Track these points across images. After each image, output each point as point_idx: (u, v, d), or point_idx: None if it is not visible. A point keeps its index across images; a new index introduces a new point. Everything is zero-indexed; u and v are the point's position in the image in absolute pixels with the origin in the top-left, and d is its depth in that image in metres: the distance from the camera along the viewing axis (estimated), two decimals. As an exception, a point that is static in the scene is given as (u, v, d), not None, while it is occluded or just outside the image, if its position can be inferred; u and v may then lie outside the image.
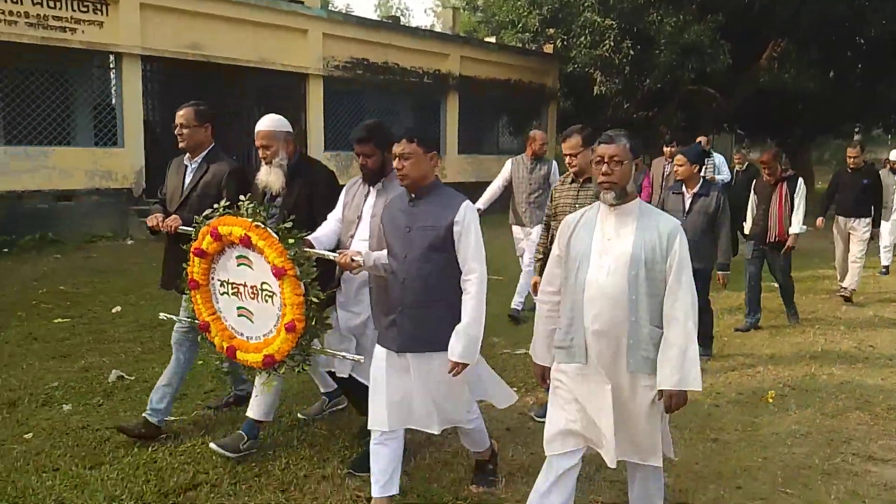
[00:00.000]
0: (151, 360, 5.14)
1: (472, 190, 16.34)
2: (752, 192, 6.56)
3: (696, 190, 5.14)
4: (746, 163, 10.90)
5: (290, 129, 3.72)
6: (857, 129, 24.87)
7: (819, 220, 7.86)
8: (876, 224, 7.89)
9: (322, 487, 3.30)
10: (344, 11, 32.61)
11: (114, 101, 11.55)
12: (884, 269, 9.49)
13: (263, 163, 3.62)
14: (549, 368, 2.79)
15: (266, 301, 3.22)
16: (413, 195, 2.97)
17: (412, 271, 2.89)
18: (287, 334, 3.10)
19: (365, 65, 14.91)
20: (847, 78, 18.46)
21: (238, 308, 3.35)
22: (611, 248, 2.56)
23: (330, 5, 38.83)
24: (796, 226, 6.13)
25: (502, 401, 3.40)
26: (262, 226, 3.12)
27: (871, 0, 14.50)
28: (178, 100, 13.13)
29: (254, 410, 3.56)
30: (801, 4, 13.83)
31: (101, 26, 10.89)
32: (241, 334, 3.36)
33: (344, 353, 3.24)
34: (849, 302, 7.61)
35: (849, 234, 7.85)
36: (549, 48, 19.22)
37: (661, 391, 2.53)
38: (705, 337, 5.17)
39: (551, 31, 17.38)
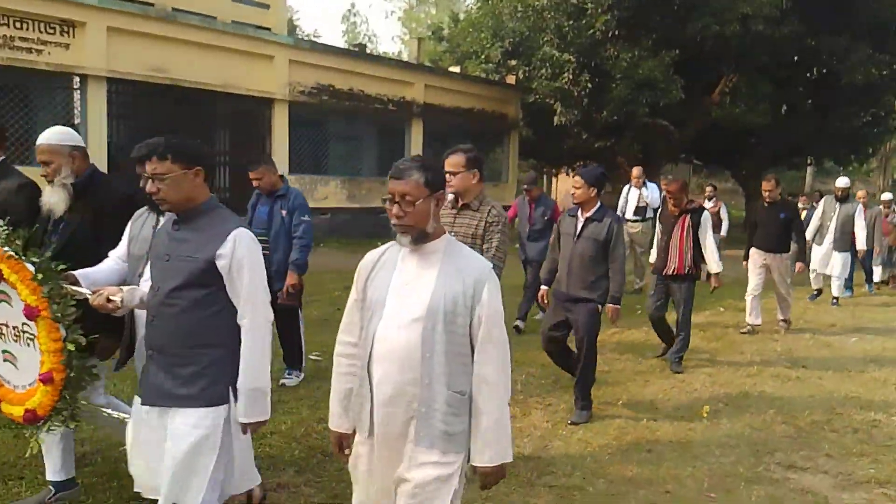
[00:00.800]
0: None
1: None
2: (658, 221, 6.44)
3: (589, 214, 4.73)
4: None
5: (79, 144, 3.23)
6: (809, 162, 25.89)
7: (745, 264, 7.78)
8: (801, 259, 7.86)
9: (278, 495, 3.46)
10: (311, 38, 32.98)
11: (77, 122, 11.59)
12: (834, 300, 9.64)
13: (46, 181, 3.13)
14: (350, 435, 2.30)
15: (28, 345, 2.70)
16: (178, 219, 2.48)
17: (162, 308, 2.41)
18: (45, 386, 2.61)
19: (330, 91, 15.18)
20: (798, 112, 19.34)
21: (3, 351, 2.83)
22: (407, 296, 2.13)
23: (298, 31, 39.22)
24: (714, 264, 6.01)
25: (243, 485, 2.75)
26: (17, 256, 2.63)
27: (821, 39, 15.31)
28: (144, 122, 13.29)
29: (50, 473, 3.19)
30: (753, 43, 14.55)
31: (67, 48, 10.99)
32: (8, 382, 2.81)
33: (109, 411, 2.94)
34: (787, 324, 7.87)
35: (767, 268, 7.57)
36: (511, 79, 19.80)
37: (474, 467, 2.17)
38: (584, 389, 4.72)
39: (513, 62, 17.93)
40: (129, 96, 12.75)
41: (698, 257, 5.97)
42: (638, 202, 9.74)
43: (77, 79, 11.49)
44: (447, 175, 3.55)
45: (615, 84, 15.24)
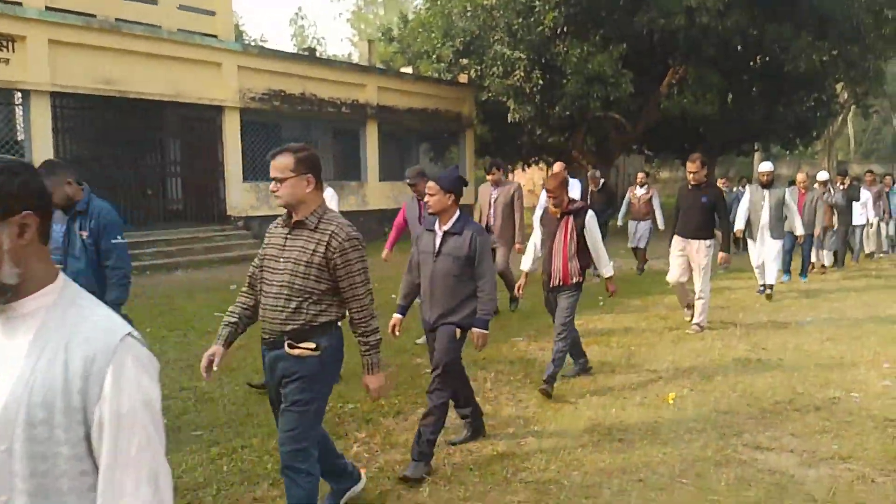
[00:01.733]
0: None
1: (393, 216, 16.65)
2: (539, 224, 5.52)
3: (448, 227, 3.94)
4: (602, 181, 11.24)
5: None
6: (756, 148, 26.60)
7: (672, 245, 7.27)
8: (725, 248, 7.18)
9: (252, 509, 3.41)
10: (259, 44, 32.57)
11: (21, 137, 11.24)
12: (761, 287, 9.03)
13: None
14: None
15: None
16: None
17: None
18: None
19: (282, 96, 15.03)
20: (745, 100, 19.86)
21: None
22: None
23: (244, 37, 38.62)
24: (605, 267, 5.31)
25: None
26: None
27: (765, 29, 15.73)
28: (91, 135, 13.05)
29: None
30: (698, 35, 14.87)
31: (7, 63, 10.64)
32: None
33: None
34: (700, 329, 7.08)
35: (688, 258, 7.07)
36: (463, 78, 19.86)
37: None
38: (433, 433, 3.84)
39: (465, 61, 17.99)
40: (75, 109, 12.44)
41: (585, 263, 5.20)
42: None
43: (19, 94, 11.14)
44: (273, 182, 2.88)
45: (566, 80, 15.42)
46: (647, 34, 15.38)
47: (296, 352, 2.86)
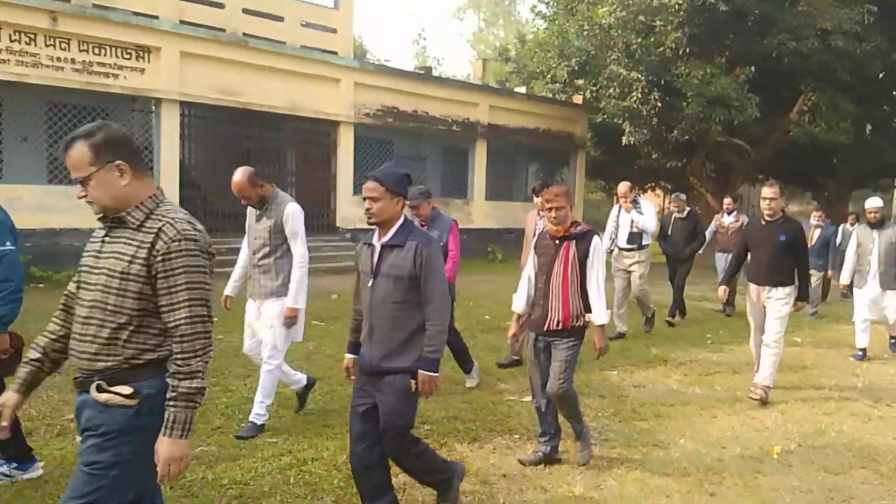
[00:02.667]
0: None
1: (498, 235, 16.54)
2: (533, 251, 4.32)
3: (387, 239, 3.16)
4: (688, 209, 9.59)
5: None
6: (895, 182, 24.49)
7: (721, 291, 6.61)
8: (803, 297, 5.91)
9: (312, 525, 3.36)
10: (378, 62, 33.62)
11: (153, 143, 12.06)
12: (859, 353, 7.50)
13: None
14: None
15: None
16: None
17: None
18: None
19: (395, 113, 15.33)
20: (884, 130, 18.30)
21: None
22: None
23: (368, 55, 40.05)
24: (600, 314, 4.08)
25: None
26: None
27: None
28: (215, 143, 13.85)
29: None
30: (833, 59, 13.86)
31: (142, 73, 11.48)
32: None
33: None
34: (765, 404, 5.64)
35: (764, 308, 5.86)
36: (578, 98, 19.53)
37: None
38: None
39: (580, 81, 17.68)
40: (201, 119, 13.21)
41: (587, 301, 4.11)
42: (631, 227, 8.01)
43: (152, 102, 11.97)
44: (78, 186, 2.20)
45: (686, 102, 14.77)
46: (776, 57, 14.46)
47: (103, 397, 2.14)
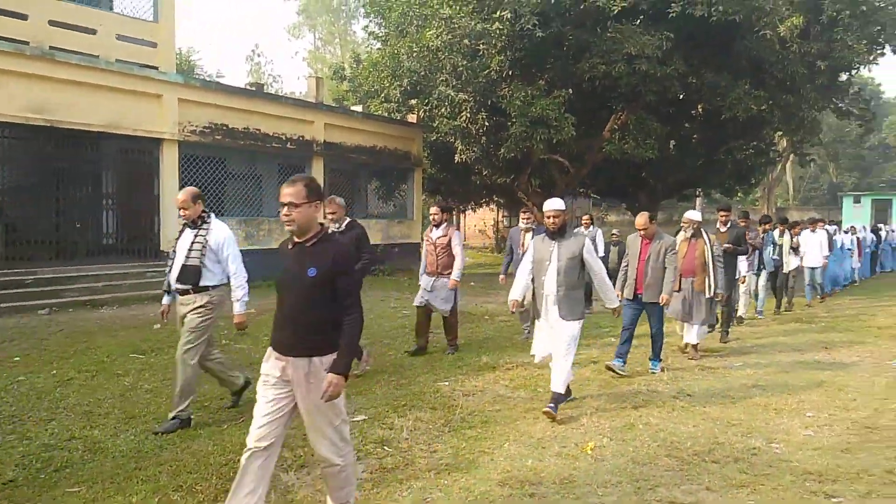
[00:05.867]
0: None
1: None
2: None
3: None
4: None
5: None
6: (697, 193, 27.31)
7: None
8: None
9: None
10: (207, 78, 32.31)
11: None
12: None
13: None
14: None
15: None
16: None
17: None
18: None
19: (225, 130, 14.77)
20: (686, 146, 20.37)
21: None
22: None
23: (198, 72, 38.33)
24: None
25: None
26: None
27: (703, 77, 16.17)
28: (27, 163, 12.60)
29: None
30: (639, 81, 15.19)
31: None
32: None
33: None
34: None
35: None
36: (412, 117, 19.93)
37: None
38: None
39: (413, 101, 18.05)
40: (9, 139, 12.01)
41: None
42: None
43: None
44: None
45: (511, 122, 15.55)
46: (590, 80, 15.64)
47: None
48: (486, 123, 15.88)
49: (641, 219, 7.26)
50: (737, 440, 5.08)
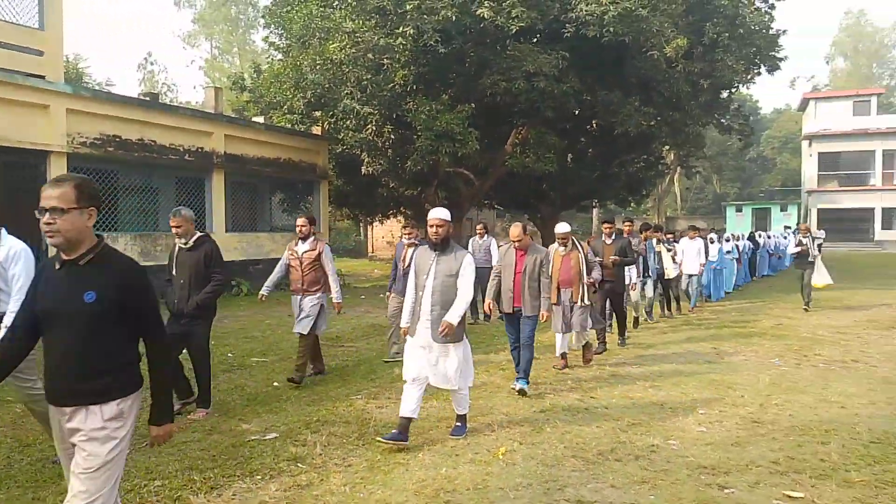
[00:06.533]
0: None
1: (244, 268, 15.93)
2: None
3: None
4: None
5: None
6: (594, 204, 28.55)
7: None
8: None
9: None
10: (99, 87, 30.80)
11: None
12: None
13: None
14: None
15: None
16: None
17: None
18: None
19: (117, 141, 14.14)
20: (583, 160, 21.29)
21: None
22: None
23: (87, 80, 36.47)
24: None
25: None
26: None
27: (596, 94, 16.97)
28: None
29: None
30: (537, 98, 15.75)
31: None
32: None
33: None
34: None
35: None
36: (317, 130, 19.76)
37: None
38: None
39: (317, 113, 17.92)
40: None
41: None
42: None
43: None
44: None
45: (417, 135, 15.73)
46: (492, 95, 16.08)
47: None
48: (392, 136, 16.01)
49: (515, 230, 6.93)
50: (637, 439, 5.38)
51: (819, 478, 4.53)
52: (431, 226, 5.34)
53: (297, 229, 7.31)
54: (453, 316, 5.17)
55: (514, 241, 6.94)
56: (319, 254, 7.19)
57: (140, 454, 4.94)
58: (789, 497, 4.22)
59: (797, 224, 39.48)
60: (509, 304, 6.84)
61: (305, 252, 7.19)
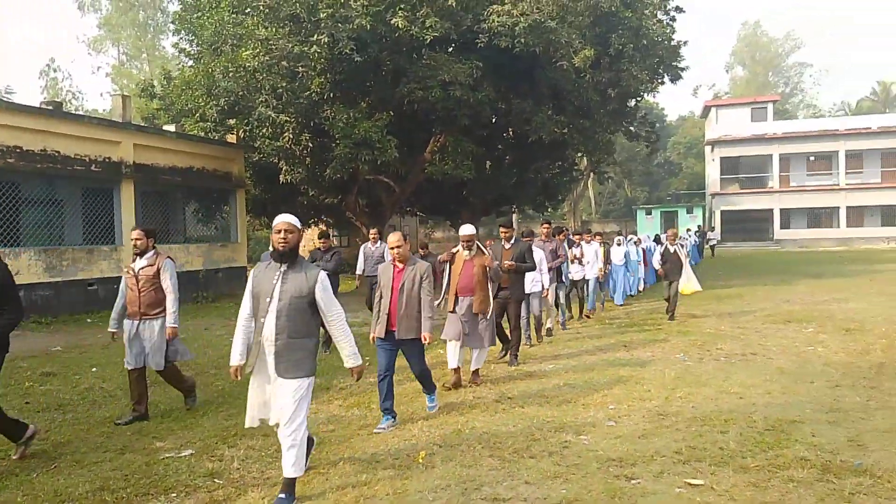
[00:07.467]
0: None
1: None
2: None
3: None
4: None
5: None
6: (513, 209, 29.16)
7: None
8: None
9: None
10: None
11: None
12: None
13: None
14: None
15: None
16: None
17: None
18: None
19: (18, 152, 13.48)
20: (500, 166, 21.73)
21: None
22: None
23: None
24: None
25: None
26: None
27: (511, 103, 17.39)
28: None
29: None
30: (454, 106, 16.00)
31: None
32: None
33: None
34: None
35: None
36: (232, 138, 19.38)
37: None
38: None
39: (232, 121, 17.58)
40: None
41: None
42: None
43: None
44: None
45: (335, 143, 15.68)
46: (409, 103, 16.22)
47: None
48: (311, 144, 15.90)
49: (394, 237, 6.01)
50: (550, 435, 5.60)
51: (718, 465, 4.84)
52: (278, 231, 4.38)
53: (133, 243, 6.35)
54: (345, 348, 4.62)
55: (392, 249, 6.03)
56: (158, 269, 6.26)
57: (48, 475, 4.78)
58: (690, 485, 4.49)
59: (698, 226, 41.50)
60: (383, 328, 5.99)
61: (142, 269, 6.25)
